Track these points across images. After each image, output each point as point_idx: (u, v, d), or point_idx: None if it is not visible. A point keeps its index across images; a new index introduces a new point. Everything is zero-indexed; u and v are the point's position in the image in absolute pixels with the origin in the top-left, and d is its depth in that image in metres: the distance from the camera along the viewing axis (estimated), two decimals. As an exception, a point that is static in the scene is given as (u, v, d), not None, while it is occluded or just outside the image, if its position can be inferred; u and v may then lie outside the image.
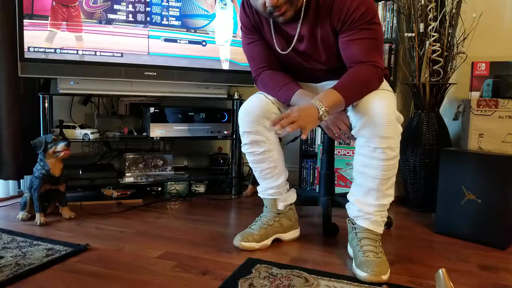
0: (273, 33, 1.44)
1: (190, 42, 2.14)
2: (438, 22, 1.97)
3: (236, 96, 2.32)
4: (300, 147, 2.49)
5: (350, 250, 1.42)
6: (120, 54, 1.99)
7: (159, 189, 2.32)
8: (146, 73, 2.05)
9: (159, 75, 2.08)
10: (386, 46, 2.22)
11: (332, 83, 1.34)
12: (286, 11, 1.28)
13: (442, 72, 2.01)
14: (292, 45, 1.42)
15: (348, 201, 1.42)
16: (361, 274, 1.24)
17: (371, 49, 1.31)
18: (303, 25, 1.36)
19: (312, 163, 2.46)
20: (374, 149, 1.27)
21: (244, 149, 1.53)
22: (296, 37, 1.39)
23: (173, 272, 1.29)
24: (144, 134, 2.23)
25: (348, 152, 2.27)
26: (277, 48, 1.45)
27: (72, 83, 1.96)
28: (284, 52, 1.44)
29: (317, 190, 2.03)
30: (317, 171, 2.44)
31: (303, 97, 1.38)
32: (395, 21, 2.24)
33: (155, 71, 2.06)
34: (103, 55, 1.96)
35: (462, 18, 2.05)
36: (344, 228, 1.57)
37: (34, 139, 1.76)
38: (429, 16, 1.96)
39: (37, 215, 1.72)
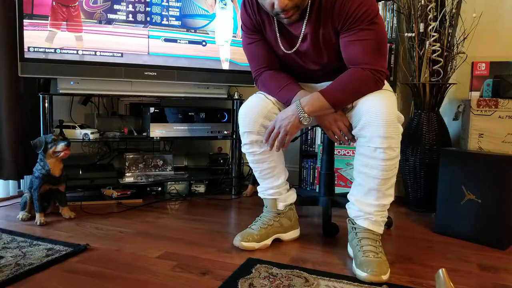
0: (277, 33, 1.44)
1: (190, 42, 2.14)
2: (438, 22, 1.97)
3: (236, 96, 2.32)
4: (300, 147, 2.49)
5: (350, 250, 1.42)
6: (120, 54, 1.99)
7: (159, 189, 2.32)
8: (146, 73, 2.05)
9: (159, 75, 2.08)
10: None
11: (332, 84, 1.35)
12: (293, 14, 1.30)
13: (442, 72, 2.01)
14: (297, 45, 1.42)
15: (348, 201, 1.42)
16: (361, 274, 1.24)
17: (370, 50, 1.31)
18: (306, 25, 1.36)
19: (312, 163, 2.46)
20: (374, 149, 1.27)
21: (244, 149, 1.53)
22: (300, 37, 1.39)
23: (173, 272, 1.29)
24: (144, 134, 2.23)
25: (348, 152, 2.27)
26: (281, 48, 1.45)
27: (72, 83, 1.96)
28: (288, 52, 1.44)
29: (317, 190, 2.03)
30: (317, 171, 2.44)
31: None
32: (395, 21, 2.24)
33: (155, 71, 2.06)
34: (103, 55, 1.96)
35: (462, 18, 2.05)
36: (344, 228, 1.57)
37: (34, 139, 1.76)
38: (429, 16, 1.96)
39: (37, 215, 1.72)
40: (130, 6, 1.99)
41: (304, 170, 2.49)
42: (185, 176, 2.36)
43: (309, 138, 2.47)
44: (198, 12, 2.14)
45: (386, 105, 1.26)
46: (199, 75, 2.17)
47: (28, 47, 1.82)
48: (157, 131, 2.18)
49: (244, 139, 1.50)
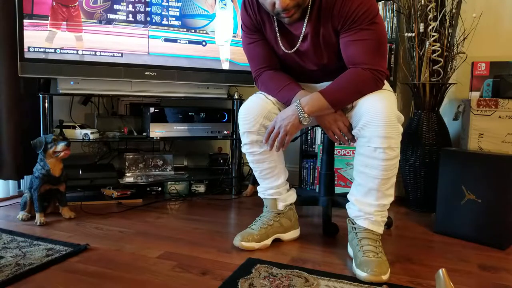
0: (277, 33, 1.44)
1: (190, 42, 2.14)
2: (438, 22, 1.97)
3: (236, 96, 2.32)
4: (300, 147, 2.49)
5: (350, 250, 1.42)
6: (120, 54, 1.99)
7: (159, 189, 2.32)
8: (146, 73, 2.05)
9: (159, 75, 2.08)
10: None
11: (332, 84, 1.35)
12: (294, 13, 1.30)
13: (442, 72, 2.01)
14: (297, 45, 1.42)
15: (348, 201, 1.42)
16: (361, 274, 1.24)
17: (370, 51, 1.31)
18: (307, 24, 1.36)
19: (312, 163, 2.46)
20: (374, 149, 1.27)
21: (244, 149, 1.53)
22: (301, 37, 1.39)
23: (173, 272, 1.29)
24: (144, 134, 2.23)
25: (348, 152, 2.27)
26: (281, 48, 1.45)
27: (72, 83, 1.96)
28: (288, 51, 1.44)
29: (317, 190, 2.03)
30: (317, 171, 2.44)
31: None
32: (395, 21, 2.24)
33: (155, 71, 2.06)
34: (103, 55, 1.96)
35: (462, 18, 2.05)
36: (344, 228, 1.57)
37: (34, 139, 1.76)
38: (429, 16, 1.96)
39: (37, 215, 1.72)
40: (130, 6, 1.99)
41: (304, 170, 2.49)
42: (185, 176, 2.36)
43: (309, 138, 2.47)
44: (198, 12, 2.14)
45: (386, 105, 1.26)
46: (199, 75, 2.17)
47: (28, 47, 1.82)
48: (157, 131, 2.18)
49: (244, 139, 1.50)
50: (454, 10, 2.01)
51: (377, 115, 1.25)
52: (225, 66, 2.23)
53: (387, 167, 1.28)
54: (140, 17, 2.02)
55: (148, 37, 2.05)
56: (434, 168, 1.93)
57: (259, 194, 1.61)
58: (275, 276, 1.25)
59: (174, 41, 2.10)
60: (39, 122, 1.97)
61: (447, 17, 2.00)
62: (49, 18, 1.85)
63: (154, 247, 1.49)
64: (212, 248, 1.50)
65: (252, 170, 1.62)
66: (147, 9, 2.03)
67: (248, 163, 1.58)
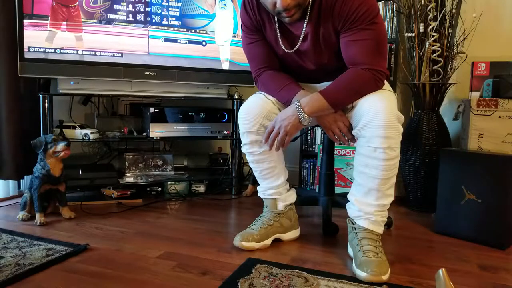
0: (278, 33, 1.44)
1: (190, 42, 2.14)
2: (438, 22, 1.97)
3: (236, 96, 2.32)
4: (300, 147, 2.49)
5: (350, 250, 1.42)
6: (120, 54, 1.99)
7: (159, 189, 2.32)
8: (146, 73, 2.05)
9: (159, 75, 2.08)
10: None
11: (332, 84, 1.35)
12: (295, 13, 1.30)
13: (442, 72, 2.01)
14: (297, 45, 1.42)
15: (348, 201, 1.42)
16: (361, 274, 1.24)
17: (371, 51, 1.31)
18: (307, 24, 1.36)
19: (312, 163, 2.46)
20: (374, 149, 1.27)
21: (244, 149, 1.53)
22: (301, 37, 1.39)
23: (173, 272, 1.29)
24: (144, 134, 2.23)
25: (348, 152, 2.27)
26: (281, 48, 1.45)
27: (72, 83, 1.96)
28: (288, 51, 1.44)
29: (317, 190, 2.03)
30: (317, 171, 2.44)
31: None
32: (395, 21, 2.24)
33: (155, 71, 2.06)
34: (103, 55, 1.96)
35: (462, 18, 2.05)
36: (344, 228, 1.57)
37: (34, 139, 1.76)
38: (429, 16, 1.96)
39: (37, 215, 1.72)
40: (130, 6, 1.99)
41: (304, 170, 2.49)
42: (185, 176, 2.36)
43: (309, 138, 2.47)
44: (198, 12, 2.14)
45: (386, 105, 1.26)
46: (199, 75, 2.17)
47: (28, 47, 1.82)
48: (157, 131, 2.18)
49: (244, 139, 1.50)
50: (454, 10, 2.01)
51: (377, 115, 1.25)
52: (225, 66, 2.23)
53: (387, 167, 1.28)
54: (140, 17, 2.02)
55: (148, 37, 2.05)
56: (434, 168, 1.93)
57: (259, 194, 1.61)
58: (275, 276, 1.25)
59: (174, 41, 2.10)
60: (39, 122, 1.97)
61: (447, 17, 2.00)
62: (49, 18, 1.85)
63: (154, 247, 1.49)
64: (212, 248, 1.50)
65: (252, 170, 1.62)
66: (147, 9, 2.03)
67: (248, 163, 1.58)
